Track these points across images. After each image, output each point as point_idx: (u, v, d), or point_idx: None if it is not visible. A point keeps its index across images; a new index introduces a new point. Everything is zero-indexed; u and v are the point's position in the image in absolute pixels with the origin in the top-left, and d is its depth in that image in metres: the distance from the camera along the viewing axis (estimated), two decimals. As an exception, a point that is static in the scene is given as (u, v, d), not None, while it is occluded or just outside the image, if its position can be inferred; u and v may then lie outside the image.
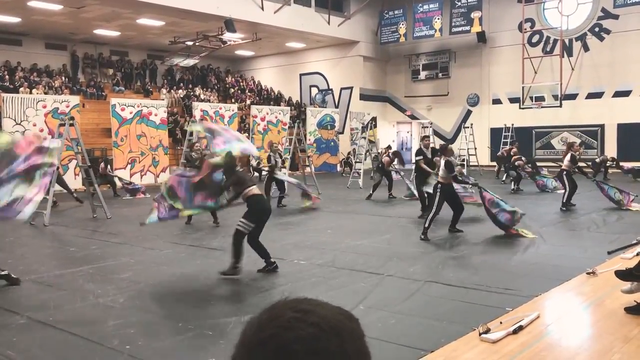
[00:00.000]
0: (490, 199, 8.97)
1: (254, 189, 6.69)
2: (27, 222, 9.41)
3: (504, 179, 18.70)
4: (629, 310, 4.86)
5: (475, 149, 23.62)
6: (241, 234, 6.49)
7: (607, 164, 19.47)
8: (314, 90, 30.73)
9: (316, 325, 0.75)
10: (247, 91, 30.30)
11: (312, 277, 6.55)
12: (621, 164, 19.97)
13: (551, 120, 24.76)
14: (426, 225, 8.65)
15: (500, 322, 4.59)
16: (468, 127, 24.07)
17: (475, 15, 25.38)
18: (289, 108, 27.15)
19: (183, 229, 10.21)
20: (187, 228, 10.32)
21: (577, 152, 12.50)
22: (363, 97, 28.94)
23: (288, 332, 0.73)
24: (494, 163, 22.09)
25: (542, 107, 24.20)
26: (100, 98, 24.34)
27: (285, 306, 0.78)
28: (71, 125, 11.73)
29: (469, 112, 27.53)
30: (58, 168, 12.06)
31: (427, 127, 22.86)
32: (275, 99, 30.23)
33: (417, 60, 29.09)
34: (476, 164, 23.41)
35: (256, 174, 17.03)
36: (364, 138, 19.76)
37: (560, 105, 23.82)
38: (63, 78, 24.29)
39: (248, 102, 28.45)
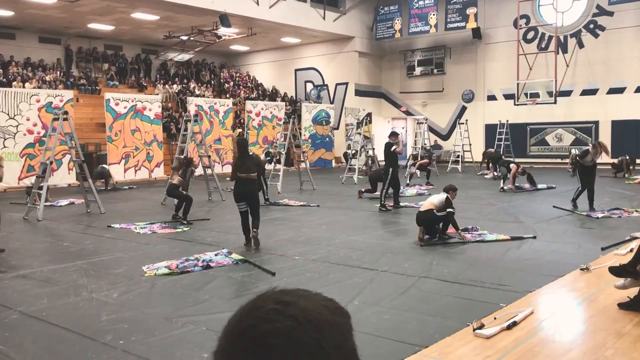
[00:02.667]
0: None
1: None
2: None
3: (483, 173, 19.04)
4: (622, 306, 4.88)
5: (470, 145, 23.65)
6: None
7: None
8: (309, 86, 30.68)
9: (293, 317, 0.74)
10: (241, 86, 30.23)
11: (307, 272, 6.55)
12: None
13: (546, 117, 24.82)
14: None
15: (495, 318, 4.60)
16: (463, 124, 24.10)
17: (471, 11, 25.36)
18: (284, 103, 27.11)
19: (177, 225, 10.19)
20: (181, 224, 10.28)
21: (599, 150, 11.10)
22: (358, 92, 28.92)
23: (265, 325, 0.73)
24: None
25: (536, 103, 24.26)
26: (94, 92, 24.23)
27: (269, 297, 0.78)
28: (65, 119, 11.67)
29: (463, 109, 27.56)
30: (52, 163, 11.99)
31: (422, 122, 22.87)
32: (270, 95, 30.17)
33: (412, 56, 29.08)
34: (471, 160, 23.44)
35: None
36: (359, 134, 19.75)
37: (555, 102, 23.87)
38: (57, 72, 24.16)
39: (242, 95, 28.39)
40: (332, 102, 29.08)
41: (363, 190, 14.09)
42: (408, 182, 16.54)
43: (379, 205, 11.75)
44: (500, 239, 8.17)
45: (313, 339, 0.73)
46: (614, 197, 13.00)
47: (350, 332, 0.79)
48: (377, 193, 12.68)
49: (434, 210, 8.29)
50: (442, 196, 8.42)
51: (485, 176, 19.12)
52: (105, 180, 16.75)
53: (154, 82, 27.56)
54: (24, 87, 20.71)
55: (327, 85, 29.95)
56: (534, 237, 8.17)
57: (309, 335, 0.73)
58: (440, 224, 8.43)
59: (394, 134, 12.30)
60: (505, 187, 14.69)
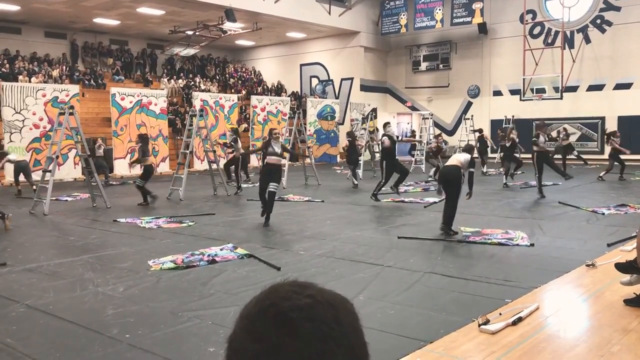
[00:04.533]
0: None
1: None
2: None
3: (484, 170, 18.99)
4: (628, 302, 4.87)
5: (476, 140, 23.55)
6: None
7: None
8: (315, 81, 30.65)
9: (312, 296, 0.80)
10: (246, 81, 30.23)
11: (312, 267, 6.56)
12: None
13: (552, 113, 24.70)
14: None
15: (500, 314, 4.60)
16: (469, 119, 24.02)
17: (477, 6, 25.27)
18: (289, 98, 27.09)
19: (181, 220, 10.22)
20: (186, 218, 10.31)
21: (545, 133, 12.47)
22: (363, 87, 28.87)
23: (285, 302, 0.78)
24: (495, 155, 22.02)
25: (542, 99, 24.15)
26: (100, 87, 24.29)
27: (285, 283, 0.84)
28: (71, 114, 11.70)
29: (469, 104, 27.48)
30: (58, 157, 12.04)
31: (428, 118, 22.82)
32: (275, 90, 30.15)
33: (417, 51, 29.00)
34: (476, 156, 23.35)
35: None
36: (364, 129, 19.73)
37: (561, 98, 23.76)
38: (63, 67, 24.20)
39: (244, 92, 28.36)
40: (337, 97, 29.06)
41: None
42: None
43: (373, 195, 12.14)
44: (493, 242, 7.73)
45: (331, 314, 0.78)
46: (620, 194, 12.96)
47: (358, 318, 0.84)
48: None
49: (461, 168, 8.36)
50: (467, 156, 8.55)
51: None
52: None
53: (160, 77, 27.58)
54: (30, 81, 20.76)
55: (332, 81, 29.92)
56: (532, 245, 7.53)
57: (327, 311, 0.78)
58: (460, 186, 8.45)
59: (388, 124, 12.70)
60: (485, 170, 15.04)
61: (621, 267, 5.14)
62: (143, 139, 12.64)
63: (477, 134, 20.04)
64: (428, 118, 22.78)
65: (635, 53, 22.84)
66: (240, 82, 29.93)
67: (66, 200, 13.30)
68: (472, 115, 24.73)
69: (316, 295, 0.80)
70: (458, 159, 8.51)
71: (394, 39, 29.39)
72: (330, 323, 0.77)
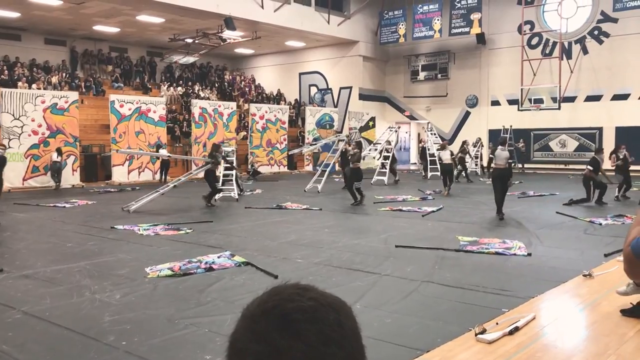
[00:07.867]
0: None
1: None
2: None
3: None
4: (625, 312, 4.87)
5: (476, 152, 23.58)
6: None
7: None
8: (313, 90, 30.73)
9: (315, 299, 0.81)
10: (244, 88, 30.29)
11: (309, 275, 6.55)
12: None
13: (549, 123, 24.79)
14: None
15: (497, 323, 4.60)
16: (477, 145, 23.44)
17: (475, 16, 25.39)
18: (287, 107, 27.16)
19: (180, 227, 10.21)
20: (184, 226, 10.30)
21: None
22: (362, 97, 28.95)
23: (289, 303, 0.80)
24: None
25: (540, 109, 24.23)
26: (99, 94, 24.32)
27: (287, 286, 0.86)
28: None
29: (467, 114, 27.56)
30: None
31: (430, 126, 22.88)
32: (274, 99, 30.22)
33: (416, 61, 29.11)
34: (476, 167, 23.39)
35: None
36: (362, 138, 19.78)
37: (559, 108, 23.85)
38: (62, 74, 24.23)
39: (242, 100, 28.42)
40: (336, 106, 29.12)
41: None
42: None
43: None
44: (490, 252, 7.67)
45: (334, 317, 0.80)
46: (617, 204, 12.98)
47: (357, 321, 0.86)
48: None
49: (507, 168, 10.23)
50: (506, 153, 9.45)
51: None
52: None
53: (159, 84, 27.63)
54: (29, 88, 20.79)
55: (331, 89, 30.00)
56: (529, 255, 7.48)
57: (330, 314, 0.80)
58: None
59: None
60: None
61: (627, 313, 4.97)
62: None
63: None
64: (430, 127, 22.89)
65: (632, 64, 22.96)
66: (237, 90, 30.00)
67: (64, 206, 13.28)
68: (480, 139, 24.06)
69: (319, 298, 0.82)
70: (504, 161, 9.41)
71: (392, 48, 29.51)
72: (333, 326, 0.79)
